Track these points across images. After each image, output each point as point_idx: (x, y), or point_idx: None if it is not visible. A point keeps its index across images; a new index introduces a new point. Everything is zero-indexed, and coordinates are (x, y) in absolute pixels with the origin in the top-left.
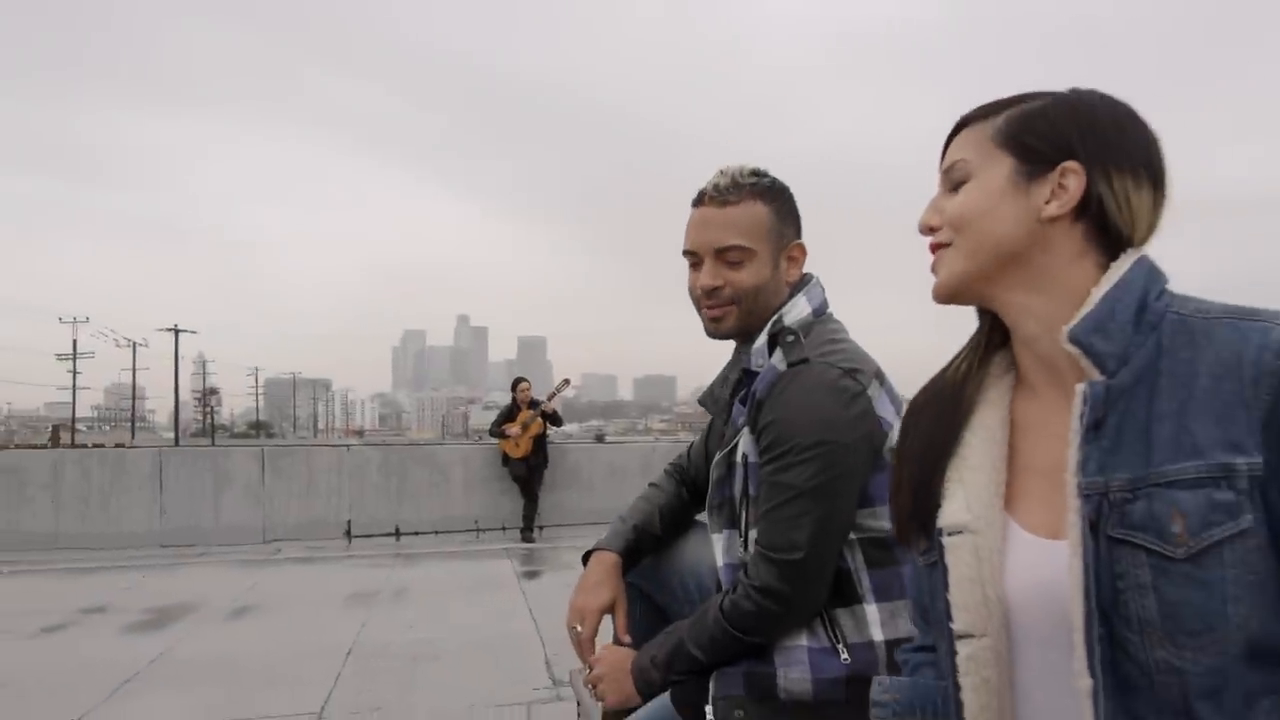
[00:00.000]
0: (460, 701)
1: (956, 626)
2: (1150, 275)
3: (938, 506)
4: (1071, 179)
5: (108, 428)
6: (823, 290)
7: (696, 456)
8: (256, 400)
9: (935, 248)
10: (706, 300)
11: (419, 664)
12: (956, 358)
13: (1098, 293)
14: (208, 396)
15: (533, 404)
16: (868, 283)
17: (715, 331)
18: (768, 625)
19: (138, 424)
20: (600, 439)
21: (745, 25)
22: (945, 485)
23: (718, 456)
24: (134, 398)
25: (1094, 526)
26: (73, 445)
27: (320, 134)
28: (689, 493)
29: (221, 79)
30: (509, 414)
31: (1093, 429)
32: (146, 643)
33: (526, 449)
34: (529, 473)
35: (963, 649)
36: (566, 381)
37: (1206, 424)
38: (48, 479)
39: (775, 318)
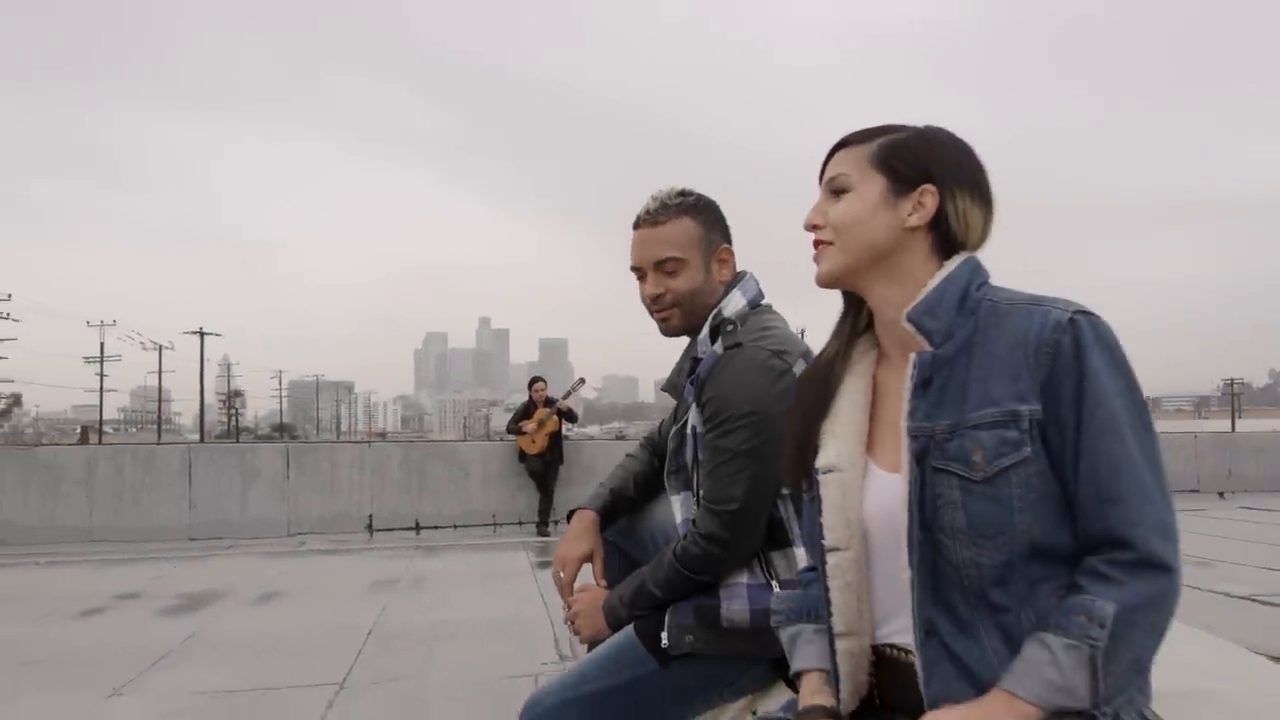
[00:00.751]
0: (474, 674)
1: (826, 542)
2: (974, 271)
3: (816, 454)
4: (928, 197)
5: (134, 430)
6: (757, 284)
7: (665, 431)
8: (280, 402)
9: (818, 244)
10: (653, 306)
11: (436, 642)
12: (828, 343)
13: (931, 284)
14: (232, 399)
15: (548, 402)
16: None
17: (665, 331)
18: (713, 566)
19: (163, 426)
20: (621, 439)
21: (764, 25)
22: (821, 438)
23: (672, 430)
24: (160, 400)
25: (920, 460)
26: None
27: (343, 136)
28: (660, 462)
29: (245, 82)
30: (525, 412)
31: (921, 387)
32: (179, 624)
33: (542, 445)
34: (545, 468)
35: (831, 559)
36: (581, 381)
37: (1004, 382)
38: (82, 475)
39: (716, 311)
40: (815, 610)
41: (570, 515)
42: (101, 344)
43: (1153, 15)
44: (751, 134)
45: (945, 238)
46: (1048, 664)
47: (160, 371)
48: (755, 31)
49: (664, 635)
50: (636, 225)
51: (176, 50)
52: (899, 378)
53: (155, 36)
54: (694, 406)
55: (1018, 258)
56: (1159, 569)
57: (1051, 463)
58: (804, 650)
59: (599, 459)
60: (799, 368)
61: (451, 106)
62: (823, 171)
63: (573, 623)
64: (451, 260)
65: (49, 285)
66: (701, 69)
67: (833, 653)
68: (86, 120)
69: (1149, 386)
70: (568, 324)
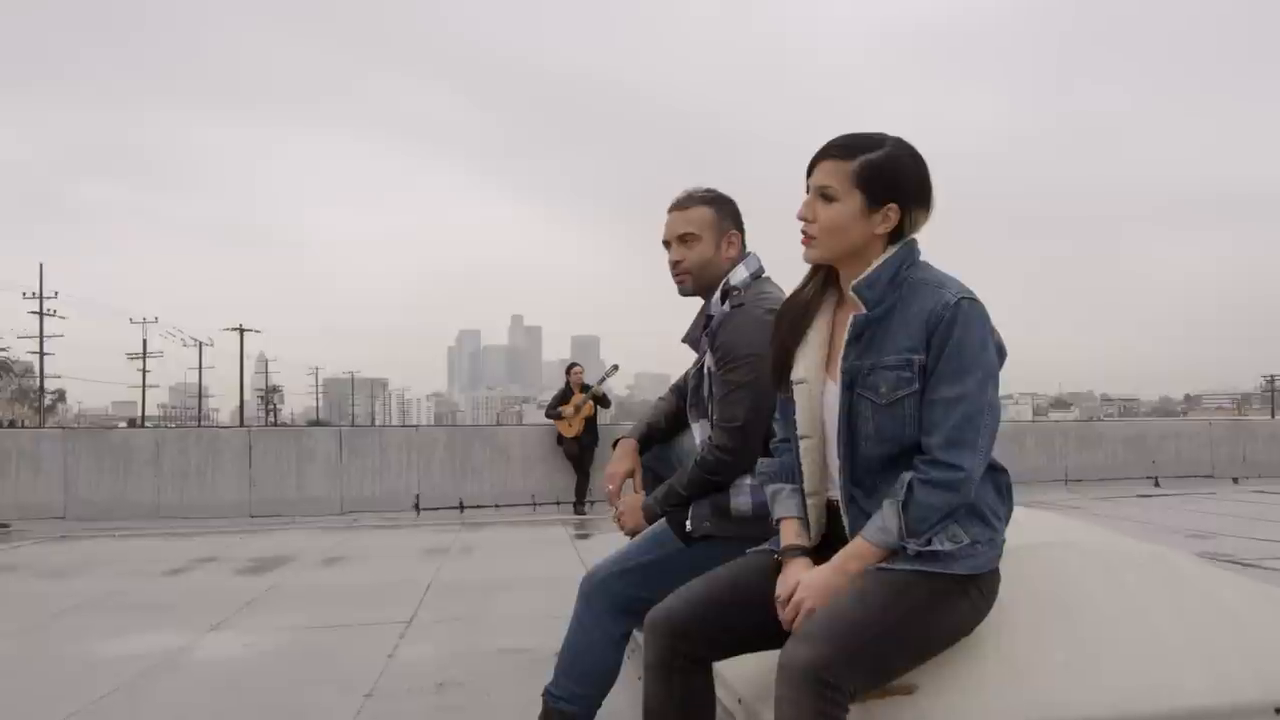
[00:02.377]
0: (524, 615)
1: (799, 431)
2: (907, 256)
3: (790, 369)
4: (893, 213)
5: (173, 426)
6: (759, 261)
7: (687, 379)
8: (316, 399)
9: (806, 237)
10: (674, 270)
11: (489, 592)
12: (804, 287)
13: (874, 264)
14: (270, 394)
15: (584, 388)
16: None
17: (681, 291)
18: (724, 469)
19: (202, 422)
20: None
21: (803, 20)
22: (795, 358)
23: (692, 371)
24: (200, 396)
25: (849, 388)
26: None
27: (380, 134)
28: (683, 403)
29: (282, 81)
30: (563, 397)
31: (855, 340)
32: (257, 580)
33: (579, 429)
34: (581, 451)
35: (802, 444)
36: (615, 368)
37: (908, 338)
38: (151, 456)
39: (725, 280)
40: (790, 474)
41: (615, 443)
42: (144, 340)
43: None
44: (788, 130)
45: (896, 233)
46: (881, 516)
47: (200, 367)
48: (794, 26)
49: (688, 522)
50: (670, 209)
51: (215, 50)
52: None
53: (195, 36)
54: (709, 352)
55: (1058, 246)
56: (948, 466)
57: (924, 389)
58: (784, 503)
59: None
60: None
61: (488, 104)
62: (810, 169)
63: (619, 519)
64: (484, 257)
65: (91, 283)
66: (738, 65)
67: (804, 506)
68: (128, 121)
69: (1188, 384)
70: (600, 321)
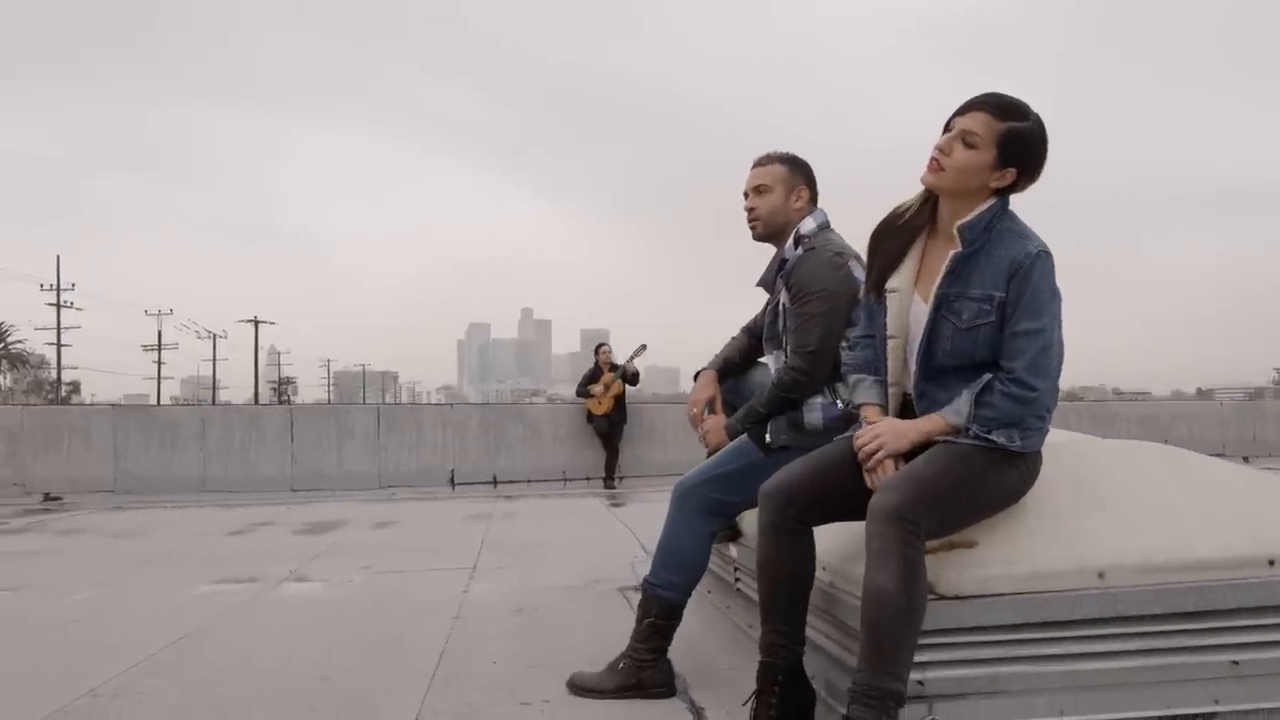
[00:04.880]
0: (577, 559)
1: (889, 332)
2: (1000, 208)
3: (886, 280)
4: (1010, 175)
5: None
6: (825, 214)
7: (759, 320)
8: (328, 391)
9: (935, 164)
10: (748, 216)
11: (540, 546)
12: (906, 208)
13: (976, 210)
14: (283, 386)
15: (613, 367)
16: None
17: (753, 235)
18: (798, 388)
19: None
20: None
21: (819, 12)
22: (893, 273)
23: (767, 307)
24: (214, 388)
25: (936, 309)
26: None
27: (394, 130)
28: (755, 341)
29: (298, 78)
30: (593, 376)
31: (951, 272)
32: (318, 539)
33: (609, 407)
34: (610, 428)
35: (890, 343)
36: (644, 346)
37: (993, 276)
38: (196, 432)
39: (796, 229)
40: (872, 367)
41: (697, 375)
42: (159, 332)
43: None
44: (805, 124)
45: (1003, 189)
46: (958, 401)
47: (214, 359)
48: (811, 18)
49: (768, 435)
50: (751, 166)
51: (232, 46)
52: (940, 249)
53: (212, 33)
54: (783, 290)
55: (1066, 239)
56: (1022, 385)
57: (1001, 322)
58: (866, 391)
59: (658, 420)
60: (852, 264)
61: (501, 99)
62: (961, 112)
63: (704, 437)
64: (495, 251)
65: (107, 276)
66: (755, 56)
67: (884, 394)
68: (145, 117)
69: (1200, 379)
70: (610, 315)
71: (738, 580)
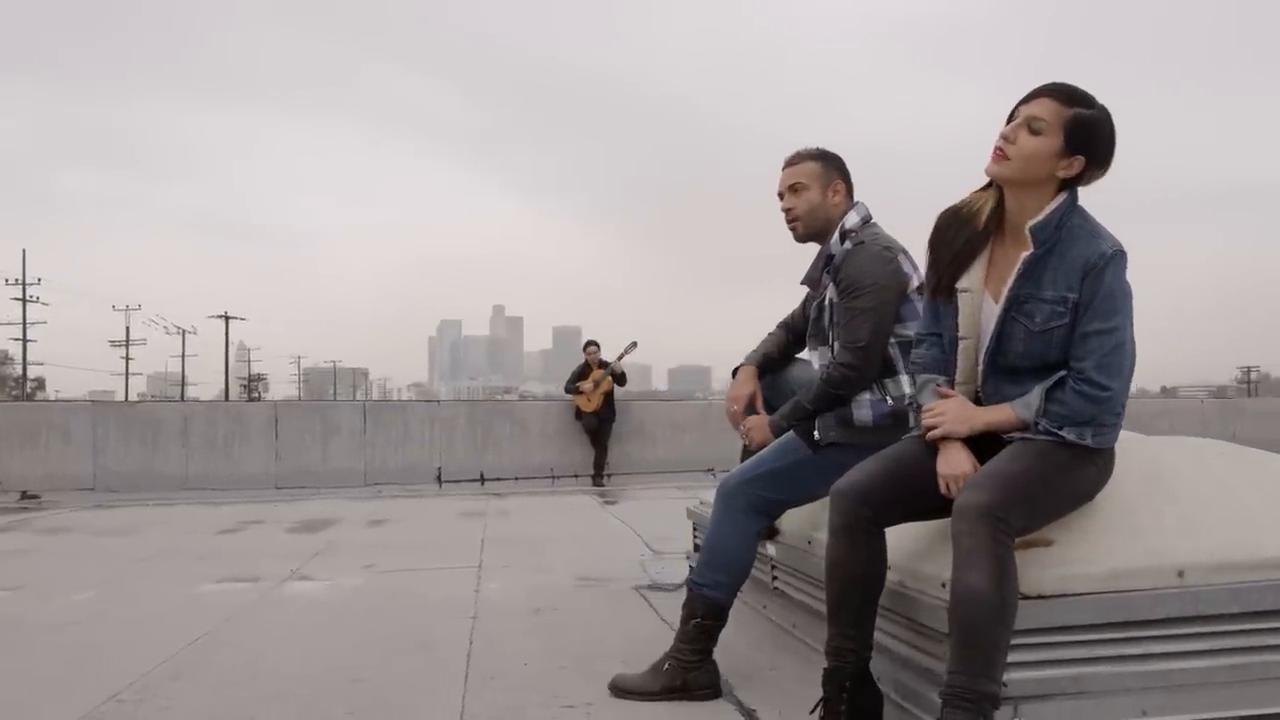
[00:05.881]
0: (583, 556)
1: (960, 333)
2: (1069, 205)
3: (956, 280)
4: (1078, 164)
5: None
6: (866, 208)
7: (797, 316)
8: (298, 388)
9: (1001, 152)
10: (786, 217)
11: (542, 543)
12: (973, 203)
13: (1048, 209)
14: (254, 383)
15: (602, 364)
16: None
17: (795, 238)
18: (848, 384)
19: None
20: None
21: (792, 10)
22: (963, 272)
23: (814, 303)
24: (183, 384)
25: (1007, 310)
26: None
27: (367, 126)
28: (793, 337)
29: (271, 72)
30: (582, 373)
31: (1023, 274)
32: (313, 537)
33: (598, 404)
34: (599, 425)
35: (961, 343)
36: (634, 344)
37: (1065, 278)
38: (178, 428)
39: (840, 224)
40: (940, 367)
41: (735, 371)
42: (127, 327)
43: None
44: (776, 123)
45: (1070, 180)
46: (1029, 395)
47: (184, 355)
48: (782, 16)
49: (816, 432)
50: (782, 167)
51: (204, 40)
52: (1005, 249)
53: (185, 26)
54: (831, 285)
55: None
56: (1095, 385)
57: (1073, 323)
58: (934, 394)
59: (647, 419)
60: (900, 259)
61: (475, 94)
62: (1026, 100)
63: (747, 435)
64: (467, 248)
65: (75, 271)
66: (727, 54)
67: None
68: (116, 110)
69: (1164, 378)
70: (583, 312)
71: (775, 579)
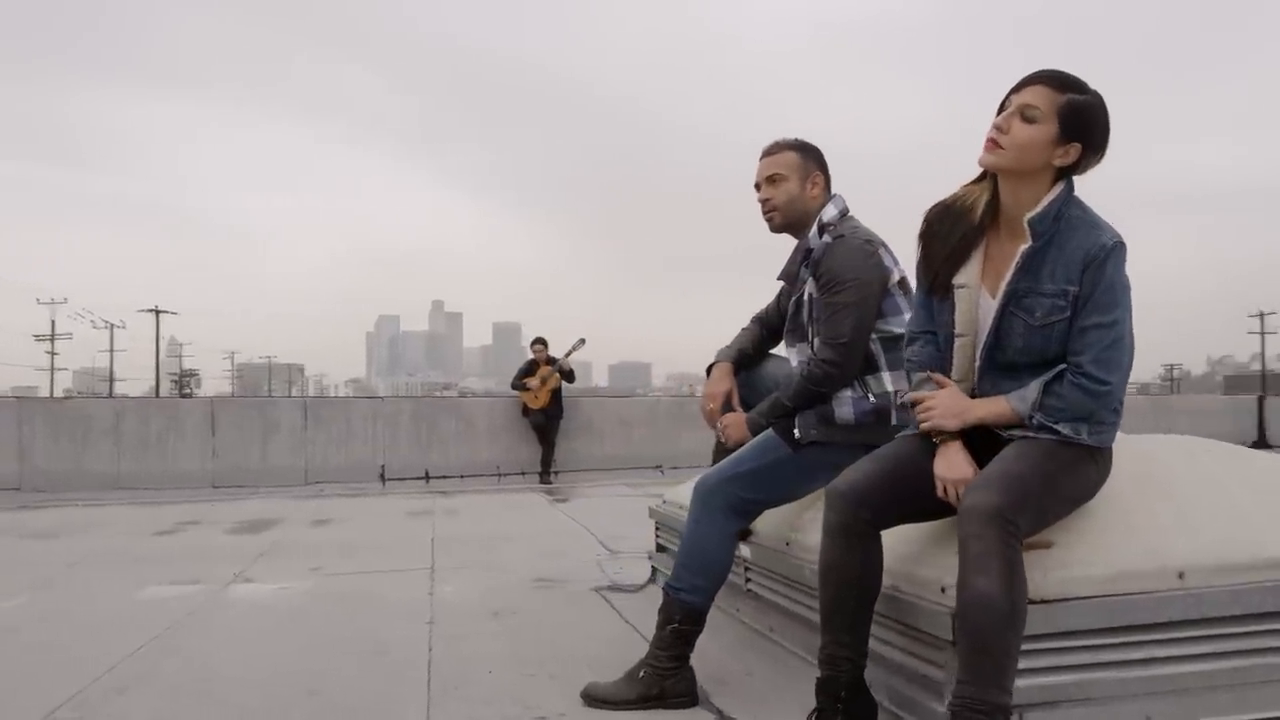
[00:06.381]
0: (538, 557)
1: (956, 330)
2: (1067, 194)
3: (953, 275)
4: (1074, 151)
5: None
6: (844, 200)
7: (772, 311)
8: (232, 384)
9: (994, 143)
10: (763, 208)
11: (495, 543)
12: (965, 197)
13: (1045, 200)
14: (185, 379)
15: (550, 361)
16: None
17: (771, 228)
18: (829, 381)
19: None
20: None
21: (732, 11)
22: (959, 268)
23: (792, 299)
24: (111, 380)
25: (1005, 305)
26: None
27: (303, 118)
28: (767, 332)
29: (205, 63)
30: (529, 370)
31: (1022, 267)
32: (256, 538)
33: (545, 401)
34: (547, 422)
35: (957, 341)
36: (582, 341)
37: (1066, 270)
38: (110, 425)
39: (818, 217)
40: (936, 365)
41: (709, 368)
42: (53, 321)
43: (1127, 9)
44: (716, 121)
45: (1066, 169)
46: (1026, 389)
47: (112, 350)
48: (723, 16)
49: (796, 431)
50: (760, 157)
51: (143, 29)
52: (1001, 242)
53: (115, 12)
54: (810, 280)
55: None
56: (1093, 379)
57: (1073, 317)
58: (925, 388)
59: (595, 415)
60: (882, 252)
61: (414, 89)
62: (1018, 89)
63: (723, 433)
64: (406, 243)
65: (2, 263)
66: (667, 52)
67: None
68: (38, 98)
69: None
70: (523, 308)
71: (749, 581)
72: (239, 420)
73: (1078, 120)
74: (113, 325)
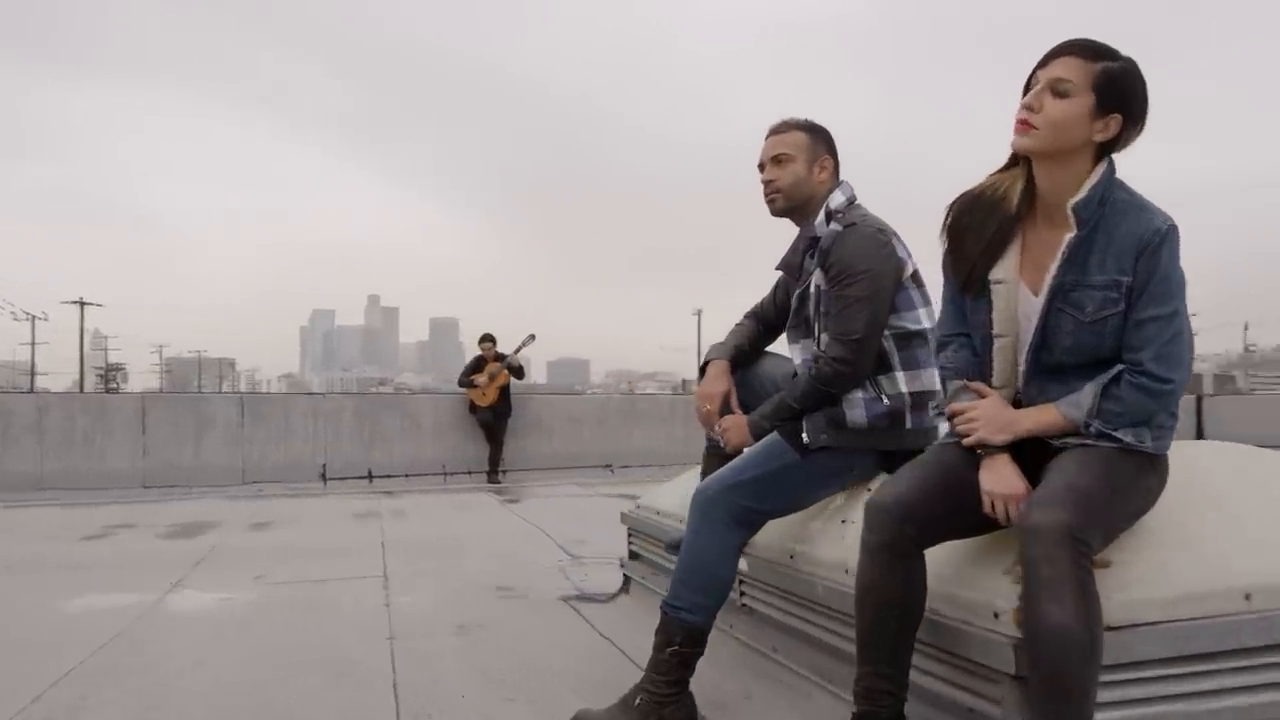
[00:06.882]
0: (498, 562)
1: (995, 330)
2: (1110, 176)
3: (989, 271)
4: (1114, 124)
5: None
6: (851, 188)
7: (767, 306)
8: (160, 379)
9: (1025, 123)
10: (766, 190)
11: (447, 548)
12: (997, 185)
13: (1088, 184)
14: (111, 373)
15: (499, 358)
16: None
17: (773, 211)
18: (840, 381)
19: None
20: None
21: (675, 9)
22: (995, 262)
23: (796, 291)
24: (32, 374)
25: (1051, 300)
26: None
27: (236, 108)
28: (764, 328)
29: (133, 48)
30: (476, 366)
31: (1068, 258)
32: (192, 543)
33: (493, 398)
34: (495, 420)
35: (996, 341)
36: (532, 337)
37: (1116, 259)
38: (32, 421)
39: (826, 203)
40: (970, 372)
41: (703, 366)
42: None
43: (1075, 14)
44: (660, 119)
45: (1106, 145)
46: (1079, 394)
47: (34, 343)
48: (667, 14)
49: (804, 434)
50: (767, 135)
51: (61, 11)
52: (1039, 232)
53: None
54: (817, 271)
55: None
56: (1154, 378)
57: (1127, 310)
58: (964, 398)
59: (544, 412)
60: (895, 242)
61: (350, 80)
62: (1045, 62)
63: (724, 436)
64: (342, 237)
65: None
66: (611, 49)
67: None
68: None
69: None
70: (459, 303)
71: (744, 595)
72: (171, 416)
73: (1115, 89)
74: (34, 317)
